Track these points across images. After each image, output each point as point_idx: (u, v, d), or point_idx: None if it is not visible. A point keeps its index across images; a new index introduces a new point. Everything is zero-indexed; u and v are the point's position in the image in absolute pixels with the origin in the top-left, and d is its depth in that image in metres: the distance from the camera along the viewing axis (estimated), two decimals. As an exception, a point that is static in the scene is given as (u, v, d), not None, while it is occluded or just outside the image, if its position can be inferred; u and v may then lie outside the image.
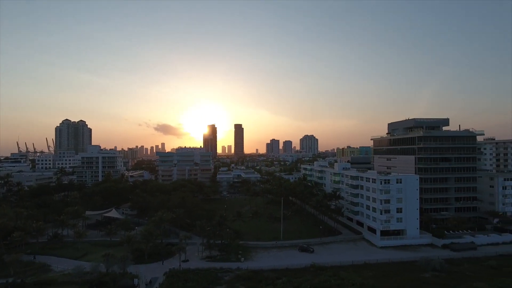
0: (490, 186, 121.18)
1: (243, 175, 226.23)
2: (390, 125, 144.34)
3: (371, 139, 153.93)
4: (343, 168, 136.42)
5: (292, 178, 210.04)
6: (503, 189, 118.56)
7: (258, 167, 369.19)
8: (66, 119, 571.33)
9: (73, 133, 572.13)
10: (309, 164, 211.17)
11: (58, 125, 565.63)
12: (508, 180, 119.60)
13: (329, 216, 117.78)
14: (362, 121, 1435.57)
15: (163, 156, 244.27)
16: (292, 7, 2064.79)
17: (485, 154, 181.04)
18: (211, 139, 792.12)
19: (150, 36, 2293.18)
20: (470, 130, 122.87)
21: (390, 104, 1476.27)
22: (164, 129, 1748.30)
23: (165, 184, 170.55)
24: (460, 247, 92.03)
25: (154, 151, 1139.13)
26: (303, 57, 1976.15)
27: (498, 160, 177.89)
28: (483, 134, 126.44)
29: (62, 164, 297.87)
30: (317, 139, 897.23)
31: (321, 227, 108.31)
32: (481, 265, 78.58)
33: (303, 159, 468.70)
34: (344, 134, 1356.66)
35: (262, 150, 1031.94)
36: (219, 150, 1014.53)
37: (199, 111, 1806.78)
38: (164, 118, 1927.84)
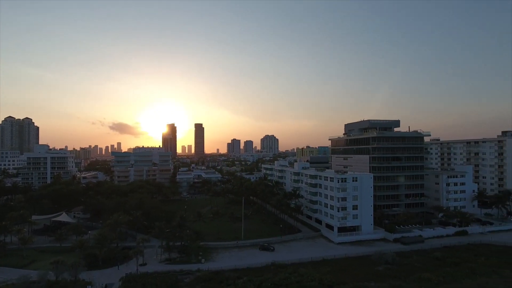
0: (436, 183, 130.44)
1: (203, 175, 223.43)
2: (346, 126, 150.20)
3: (329, 139, 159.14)
4: (303, 167, 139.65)
5: (253, 178, 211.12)
6: (446, 185, 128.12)
7: (219, 167, 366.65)
8: (10, 116, 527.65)
9: (18, 131, 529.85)
10: (270, 164, 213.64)
11: (0, 122, 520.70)
12: (451, 177, 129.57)
13: (289, 215, 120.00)
14: (321, 122, 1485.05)
15: (119, 156, 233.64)
16: (254, 6, 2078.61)
17: (431, 153, 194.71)
18: (170, 139, 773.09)
19: (105, 30, 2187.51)
20: (418, 131, 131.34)
21: (348, 106, 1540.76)
22: (120, 128, 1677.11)
23: (121, 186, 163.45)
24: (409, 240, 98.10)
25: (109, 151, 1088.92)
26: (265, 57, 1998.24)
27: (442, 159, 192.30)
28: (430, 135, 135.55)
29: (5, 165, 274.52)
30: (277, 139, 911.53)
31: (281, 225, 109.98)
32: (428, 257, 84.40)
33: (264, 159, 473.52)
34: (304, 134, 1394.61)
35: (223, 150, 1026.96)
36: (179, 150, 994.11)
37: (158, 109, 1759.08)
38: (120, 116, 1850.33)
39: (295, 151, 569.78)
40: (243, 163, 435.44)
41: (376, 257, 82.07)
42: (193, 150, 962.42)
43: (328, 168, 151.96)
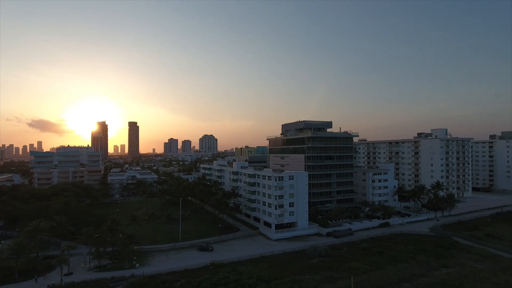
0: (363, 180, 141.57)
1: (138, 176, 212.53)
2: (283, 126, 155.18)
3: (267, 139, 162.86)
4: (241, 167, 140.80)
5: (191, 178, 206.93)
6: (372, 182, 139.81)
7: (155, 168, 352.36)
8: None
9: None
10: (209, 164, 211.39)
11: None
12: (376, 174, 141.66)
13: (228, 214, 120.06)
14: (260, 122, 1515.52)
15: (39, 157, 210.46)
16: (194, 4, 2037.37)
17: (359, 153, 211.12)
18: (101, 138, 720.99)
19: (23, 15, 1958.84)
20: (348, 132, 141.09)
21: (286, 106, 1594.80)
22: (41, 125, 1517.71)
23: (42, 189, 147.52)
24: (340, 234, 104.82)
25: (28, 150, 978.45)
26: (204, 56, 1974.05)
27: (369, 158, 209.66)
28: (358, 136, 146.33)
29: None
30: (216, 139, 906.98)
31: (220, 225, 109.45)
32: (356, 248, 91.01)
33: (202, 159, 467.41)
34: (243, 134, 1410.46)
35: (160, 150, 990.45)
36: (110, 150, 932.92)
37: (87, 106, 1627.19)
38: (41, 112, 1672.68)
39: (234, 151, 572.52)
40: (180, 163, 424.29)
41: (311, 251, 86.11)
42: (126, 150, 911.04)
43: (266, 167, 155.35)
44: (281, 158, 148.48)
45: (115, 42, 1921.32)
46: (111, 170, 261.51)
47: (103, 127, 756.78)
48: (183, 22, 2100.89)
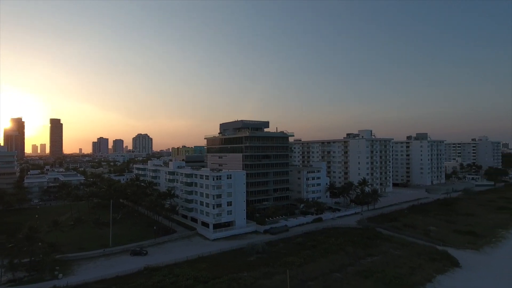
0: (298, 178, 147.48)
1: (61, 178, 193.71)
2: (221, 125, 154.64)
3: (205, 138, 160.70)
4: (178, 166, 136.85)
5: (123, 179, 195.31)
6: (306, 180, 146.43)
7: (82, 169, 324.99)
8: None
9: None
10: (143, 164, 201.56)
11: None
12: (310, 173, 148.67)
13: (164, 216, 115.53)
14: (198, 121, 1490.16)
15: None
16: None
17: (295, 152, 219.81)
18: (16, 136, 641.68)
19: None
20: (284, 132, 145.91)
21: (223, 106, 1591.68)
22: None
23: None
24: (277, 230, 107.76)
25: None
26: (139, 51, 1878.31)
27: (303, 157, 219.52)
28: (293, 136, 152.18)
29: None
30: (151, 139, 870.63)
31: (155, 227, 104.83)
32: (292, 243, 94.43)
33: (136, 159, 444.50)
34: (181, 134, 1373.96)
35: (88, 149, 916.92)
36: (28, 150, 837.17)
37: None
38: None
39: (171, 150, 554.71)
40: (111, 164, 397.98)
41: (249, 248, 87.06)
42: (48, 150, 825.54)
43: (204, 167, 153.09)
44: (219, 158, 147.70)
45: (34, 27, 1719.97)
46: (29, 172, 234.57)
47: (19, 124, 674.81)
48: (118, 14, 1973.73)
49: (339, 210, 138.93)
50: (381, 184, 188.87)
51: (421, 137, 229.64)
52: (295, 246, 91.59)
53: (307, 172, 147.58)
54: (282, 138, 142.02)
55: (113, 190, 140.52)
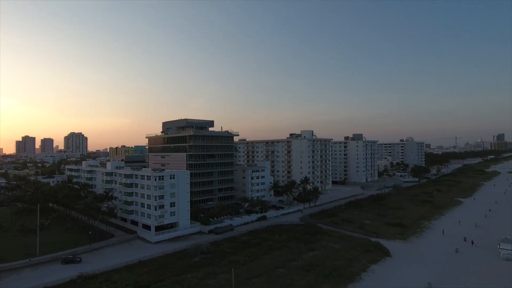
0: (243, 177, 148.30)
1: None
2: (164, 124, 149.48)
3: (147, 137, 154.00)
4: (117, 167, 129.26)
5: (53, 181, 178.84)
6: (251, 179, 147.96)
7: (3, 171, 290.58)
8: None
9: None
10: (77, 165, 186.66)
11: None
12: (254, 172, 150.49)
13: (101, 220, 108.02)
14: (138, 120, 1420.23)
15: None
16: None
17: (239, 151, 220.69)
18: None
19: None
20: (229, 131, 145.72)
21: (167, 105, 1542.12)
22: None
23: None
24: (221, 230, 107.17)
25: None
26: (72, 47, 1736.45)
27: (248, 156, 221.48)
28: (238, 135, 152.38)
29: None
30: (86, 138, 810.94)
31: (90, 232, 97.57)
32: (236, 242, 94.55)
33: (68, 159, 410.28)
34: (119, 132, 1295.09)
35: (10, 149, 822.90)
36: None
37: None
38: None
39: (108, 151, 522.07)
40: (39, 165, 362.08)
41: (193, 249, 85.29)
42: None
43: (145, 167, 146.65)
44: (161, 157, 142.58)
45: None
46: None
47: None
48: (46, 3, 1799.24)
49: (282, 208, 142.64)
50: (321, 182, 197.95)
51: (357, 137, 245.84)
52: (240, 244, 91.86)
53: (252, 172, 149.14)
54: (227, 137, 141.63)
55: (40, 194, 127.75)
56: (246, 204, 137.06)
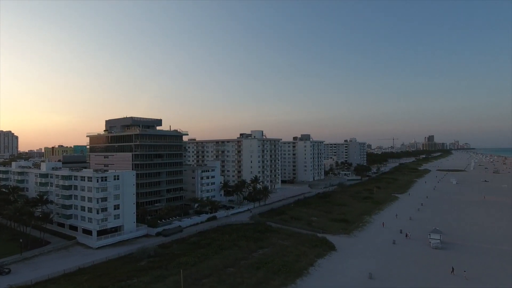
0: (192, 178, 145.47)
1: None
2: (108, 122, 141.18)
3: (88, 136, 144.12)
4: (53, 168, 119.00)
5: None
6: (201, 179, 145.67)
7: None
8: None
9: None
10: (5, 166, 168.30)
11: None
12: (204, 172, 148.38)
13: (34, 226, 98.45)
14: (77, 118, 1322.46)
15: None
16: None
17: (189, 151, 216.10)
18: None
19: None
20: (178, 130, 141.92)
21: (111, 102, 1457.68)
22: None
23: None
24: (170, 232, 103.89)
25: None
26: (5, 36, 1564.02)
27: (198, 156, 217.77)
28: (188, 134, 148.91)
29: None
30: (17, 137, 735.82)
31: (21, 240, 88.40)
32: (186, 243, 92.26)
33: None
34: (56, 131, 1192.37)
35: None
36: None
37: None
38: None
39: (43, 151, 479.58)
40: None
41: (139, 253, 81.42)
42: None
43: (86, 167, 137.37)
44: (104, 157, 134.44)
45: None
46: None
47: None
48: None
49: (232, 207, 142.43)
50: (271, 181, 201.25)
51: (305, 138, 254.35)
52: (190, 246, 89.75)
53: (202, 171, 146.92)
54: (175, 136, 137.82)
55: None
56: (196, 205, 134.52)
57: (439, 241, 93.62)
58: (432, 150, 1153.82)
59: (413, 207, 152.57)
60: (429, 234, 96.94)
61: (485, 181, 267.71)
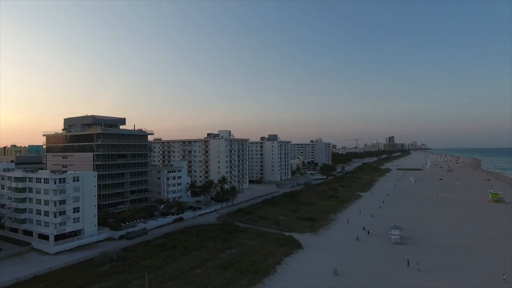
0: (158, 178, 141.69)
1: None
2: (66, 120, 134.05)
3: (44, 135, 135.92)
4: (4, 169, 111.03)
5: None
6: (167, 180, 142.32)
7: None
8: None
9: None
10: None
11: None
12: (171, 172, 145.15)
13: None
14: (32, 117, 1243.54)
15: None
16: None
17: (154, 151, 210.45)
18: None
19: None
20: (143, 130, 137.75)
21: (70, 100, 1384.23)
22: None
23: None
24: (134, 235, 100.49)
25: None
26: None
27: (163, 156, 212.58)
28: (153, 134, 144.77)
29: None
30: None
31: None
32: (151, 246, 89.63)
33: None
34: (9, 130, 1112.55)
35: None
36: None
37: None
38: None
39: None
40: None
41: (101, 257, 77.98)
42: None
43: (42, 169, 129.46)
44: (63, 158, 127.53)
45: None
46: None
47: None
48: None
49: (200, 208, 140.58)
50: (239, 181, 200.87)
51: (272, 138, 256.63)
52: (155, 248, 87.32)
53: (168, 172, 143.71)
54: (140, 136, 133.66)
55: None
56: (162, 206, 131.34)
57: (399, 236, 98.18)
58: (392, 150, 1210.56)
59: (375, 205, 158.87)
60: (390, 230, 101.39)
61: (440, 179, 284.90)
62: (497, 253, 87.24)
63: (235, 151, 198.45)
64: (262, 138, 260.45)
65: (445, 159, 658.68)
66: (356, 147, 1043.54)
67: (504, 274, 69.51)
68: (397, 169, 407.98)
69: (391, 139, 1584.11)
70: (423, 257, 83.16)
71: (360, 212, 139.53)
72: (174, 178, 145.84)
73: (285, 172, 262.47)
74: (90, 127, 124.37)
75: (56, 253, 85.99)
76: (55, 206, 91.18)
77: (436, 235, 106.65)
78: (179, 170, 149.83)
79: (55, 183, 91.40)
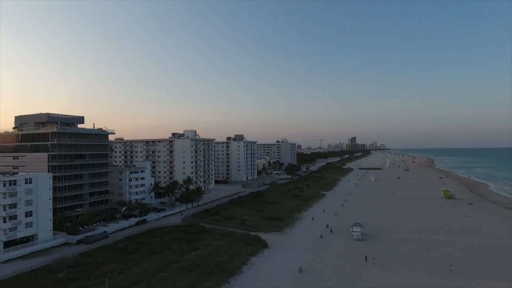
0: (119, 179, 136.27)
1: None
2: (18, 118, 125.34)
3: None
4: None
5: None
6: (129, 181, 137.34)
7: None
8: None
9: None
10: None
11: None
12: (133, 173, 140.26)
13: None
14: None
15: None
16: None
17: (116, 151, 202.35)
18: None
19: None
20: (104, 129, 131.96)
21: (21, 97, 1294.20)
22: None
23: None
24: (93, 239, 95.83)
25: None
26: None
27: (126, 156, 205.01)
28: (114, 133, 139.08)
29: None
30: None
31: None
32: (112, 250, 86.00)
33: None
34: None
35: None
36: None
37: None
38: None
39: None
40: None
41: (56, 264, 73.45)
42: None
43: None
44: (13, 159, 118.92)
45: None
46: None
47: None
48: None
49: (164, 209, 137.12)
50: (204, 181, 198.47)
51: (239, 138, 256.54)
52: (116, 252, 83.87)
53: (130, 173, 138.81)
54: (100, 135, 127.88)
55: None
56: (124, 208, 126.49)
57: (360, 233, 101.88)
58: (354, 150, 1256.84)
59: (338, 203, 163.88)
60: (352, 227, 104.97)
61: (398, 177, 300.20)
62: (448, 246, 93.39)
63: (200, 151, 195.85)
64: (228, 138, 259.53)
65: (403, 159, 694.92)
66: (320, 147, 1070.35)
67: (451, 266, 74.52)
68: (359, 168, 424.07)
69: (353, 139, 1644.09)
70: (381, 252, 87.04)
71: (324, 211, 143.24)
72: (136, 179, 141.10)
73: (251, 172, 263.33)
74: (44, 125, 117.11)
75: (5, 261, 79.82)
76: (4, 210, 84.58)
77: (394, 230, 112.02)
78: (142, 171, 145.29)
79: (4, 186, 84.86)
